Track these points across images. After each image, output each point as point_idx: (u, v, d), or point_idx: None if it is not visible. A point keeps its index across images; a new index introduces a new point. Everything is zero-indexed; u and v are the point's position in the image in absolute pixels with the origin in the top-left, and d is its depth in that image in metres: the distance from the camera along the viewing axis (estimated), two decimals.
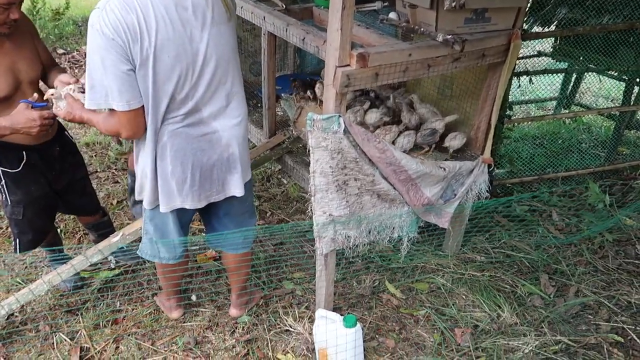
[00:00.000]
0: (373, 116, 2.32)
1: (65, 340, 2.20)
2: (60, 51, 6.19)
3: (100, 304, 2.40)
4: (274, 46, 2.34)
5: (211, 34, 1.62)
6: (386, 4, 2.39)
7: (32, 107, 1.85)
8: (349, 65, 1.75)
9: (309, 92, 2.55)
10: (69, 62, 5.95)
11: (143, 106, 1.61)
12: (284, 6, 2.36)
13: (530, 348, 2.14)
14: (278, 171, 3.64)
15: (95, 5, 1.53)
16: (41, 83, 2.06)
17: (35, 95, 1.94)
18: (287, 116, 2.78)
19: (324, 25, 1.88)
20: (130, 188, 2.99)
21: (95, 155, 3.85)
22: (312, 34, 1.98)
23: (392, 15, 2.21)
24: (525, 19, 4.13)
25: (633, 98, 3.82)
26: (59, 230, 2.88)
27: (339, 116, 1.81)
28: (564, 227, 3.01)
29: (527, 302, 2.43)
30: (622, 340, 2.20)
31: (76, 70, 5.67)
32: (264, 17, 2.24)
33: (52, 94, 1.82)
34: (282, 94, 2.85)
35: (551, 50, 4.23)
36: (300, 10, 2.41)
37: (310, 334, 2.20)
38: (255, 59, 3.15)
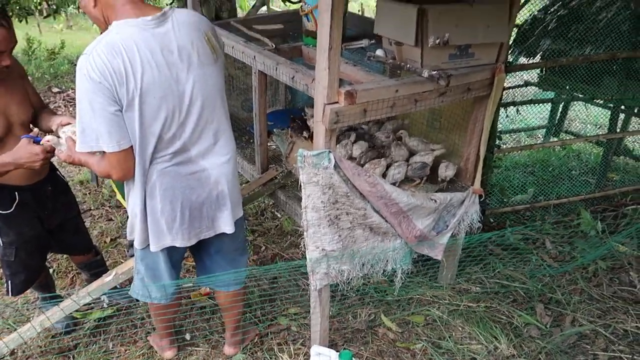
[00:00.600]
0: (360, 148, 2.35)
1: None
2: (55, 90, 6.28)
3: (93, 346, 2.36)
4: (265, 84, 2.39)
5: (197, 75, 1.66)
6: (373, 41, 2.46)
7: (34, 142, 1.87)
8: (337, 102, 1.78)
9: (305, 133, 2.58)
10: (63, 100, 6.03)
11: (132, 147, 1.63)
12: (274, 45, 2.42)
13: None
14: (272, 205, 3.65)
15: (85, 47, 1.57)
16: (31, 126, 2.09)
17: (36, 130, 1.97)
18: (280, 151, 2.81)
19: (313, 63, 1.92)
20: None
21: (89, 193, 3.85)
22: (301, 73, 2.03)
23: (379, 52, 2.27)
24: (510, 50, 4.25)
25: (619, 125, 3.90)
26: (51, 270, 2.86)
27: (329, 152, 1.84)
28: (558, 256, 3.01)
29: (524, 332, 2.42)
30: None
31: (71, 109, 5.73)
32: (254, 57, 2.30)
33: (48, 140, 1.85)
34: (274, 130, 2.89)
35: (537, 80, 4.34)
36: (289, 49, 2.47)
37: None
38: (246, 96, 3.20)
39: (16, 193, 2.08)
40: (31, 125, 2.09)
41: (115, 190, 2.76)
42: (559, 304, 2.61)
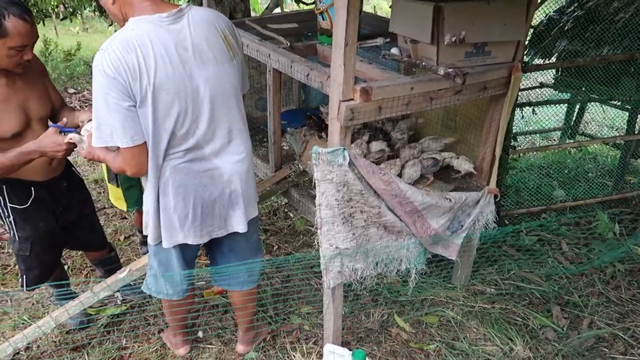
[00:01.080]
0: (374, 147, 2.34)
1: None
2: (71, 90, 6.35)
3: (106, 341, 2.37)
4: (279, 82, 2.39)
5: (212, 73, 1.67)
6: (388, 40, 2.45)
7: (60, 132, 1.91)
8: (352, 99, 1.78)
9: (324, 134, 2.57)
10: (79, 100, 6.09)
11: (146, 143, 1.64)
12: (289, 44, 2.42)
13: None
14: (284, 205, 3.65)
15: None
16: (50, 123, 2.11)
17: (65, 119, 2.00)
18: (293, 150, 2.81)
19: (328, 61, 1.91)
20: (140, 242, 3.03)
21: (103, 192, 3.88)
22: (316, 70, 2.03)
23: (394, 50, 2.26)
24: (526, 51, 4.21)
25: (637, 127, 3.83)
26: (66, 267, 2.88)
27: (344, 149, 1.83)
28: (574, 258, 2.97)
29: (540, 335, 2.38)
30: None
31: (86, 109, 5.78)
32: (269, 55, 2.30)
33: (71, 138, 1.88)
34: (288, 129, 2.89)
35: (553, 81, 4.28)
36: (304, 47, 2.47)
37: None
38: (261, 95, 3.21)
39: (32, 188, 2.10)
40: (49, 122, 2.11)
41: (107, 183, 2.77)
42: (576, 306, 2.57)
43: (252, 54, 2.46)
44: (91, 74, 1.57)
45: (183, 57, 1.61)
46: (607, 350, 2.29)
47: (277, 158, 2.58)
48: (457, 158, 2.35)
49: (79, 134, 1.91)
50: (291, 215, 3.57)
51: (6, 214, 2.10)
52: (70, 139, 1.88)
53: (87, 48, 8.69)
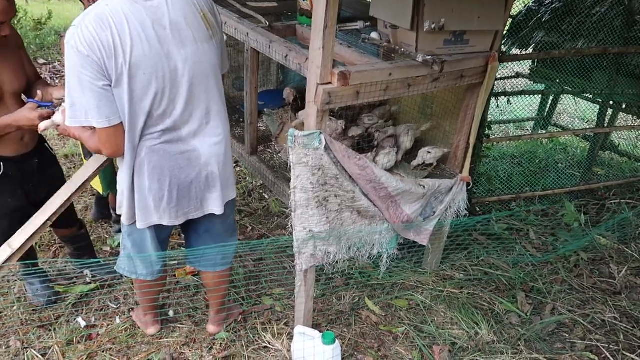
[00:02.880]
0: (352, 131, 2.35)
1: (37, 356, 2.14)
2: (42, 61, 6.13)
3: (75, 319, 2.34)
4: (257, 62, 2.36)
5: (190, 51, 1.63)
6: (368, 24, 2.44)
7: (38, 107, 1.91)
8: (330, 83, 1.77)
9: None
10: (49, 72, 5.89)
11: (122, 123, 1.61)
12: (268, 23, 2.39)
13: None
14: (260, 186, 3.64)
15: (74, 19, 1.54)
16: (25, 98, 2.05)
17: (40, 93, 1.99)
18: (269, 131, 2.79)
19: (307, 43, 1.89)
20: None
21: (74, 167, 3.79)
22: (294, 52, 2.00)
23: (374, 35, 2.25)
24: (504, 41, 4.25)
25: (607, 120, 3.93)
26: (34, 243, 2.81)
27: (320, 133, 1.82)
28: (541, 246, 3.06)
29: (505, 320, 2.46)
30: (597, 359, 2.23)
31: (57, 81, 5.61)
32: (248, 34, 2.26)
33: (42, 129, 1.88)
34: (265, 110, 2.87)
35: (529, 72, 4.34)
36: (283, 27, 2.44)
37: (289, 350, 2.18)
38: (238, 75, 3.16)
39: (1, 164, 2.04)
40: (23, 96, 2.06)
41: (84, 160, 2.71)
42: (540, 293, 2.65)
43: (230, 32, 2.42)
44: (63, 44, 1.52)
45: (161, 35, 1.57)
46: (567, 335, 2.38)
47: (253, 139, 2.56)
48: (429, 152, 2.37)
49: (55, 109, 1.88)
50: (266, 196, 3.56)
51: None
52: (45, 128, 1.87)
53: (59, 17, 8.37)
